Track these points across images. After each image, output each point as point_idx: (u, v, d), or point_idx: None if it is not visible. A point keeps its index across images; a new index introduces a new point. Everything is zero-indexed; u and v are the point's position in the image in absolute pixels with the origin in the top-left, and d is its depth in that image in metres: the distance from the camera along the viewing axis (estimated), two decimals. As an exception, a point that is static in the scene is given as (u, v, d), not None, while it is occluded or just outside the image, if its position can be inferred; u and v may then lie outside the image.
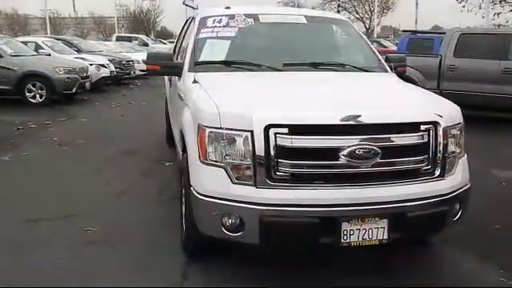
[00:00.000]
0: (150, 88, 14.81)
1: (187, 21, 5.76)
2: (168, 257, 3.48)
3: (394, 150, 2.82)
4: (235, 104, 2.96)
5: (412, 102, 3.22)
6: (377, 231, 2.79)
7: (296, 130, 2.73)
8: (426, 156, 2.91)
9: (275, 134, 2.73)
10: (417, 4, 41.34)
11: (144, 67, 17.71)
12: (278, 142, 2.73)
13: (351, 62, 4.10)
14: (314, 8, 59.28)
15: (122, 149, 6.67)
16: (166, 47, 28.95)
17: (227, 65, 3.86)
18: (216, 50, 4.03)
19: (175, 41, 5.92)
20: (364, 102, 3.14)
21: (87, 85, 11.58)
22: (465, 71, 8.78)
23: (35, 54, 11.88)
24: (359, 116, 2.79)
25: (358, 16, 38.84)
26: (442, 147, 2.93)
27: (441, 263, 3.52)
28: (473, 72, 8.69)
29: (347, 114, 2.79)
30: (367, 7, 38.28)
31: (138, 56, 17.67)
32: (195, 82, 3.55)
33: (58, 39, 15.13)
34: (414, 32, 13.27)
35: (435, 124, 2.92)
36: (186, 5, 5.93)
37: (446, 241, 3.63)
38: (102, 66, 13.36)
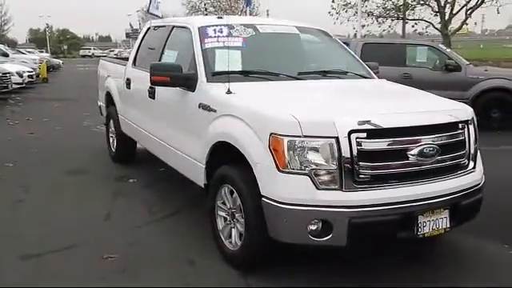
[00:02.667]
0: (38, 102, 13.54)
1: (149, 29, 5.54)
2: (216, 272, 3.38)
3: (446, 148, 3.15)
4: (311, 112, 3.03)
5: (444, 104, 3.59)
6: (442, 221, 3.09)
7: (373, 133, 2.92)
8: (464, 151, 3.30)
9: (356, 138, 2.87)
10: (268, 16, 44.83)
11: (19, 80, 16.22)
12: (358, 146, 2.88)
13: (349, 69, 4.39)
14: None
15: (66, 169, 6.08)
16: (27, 57, 26.41)
17: (246, 74, 3.85)
18: (227, 60, 3.98)
19: (135, 49, 5.59)
20: (410, 105, 3.45)
21: (-27, 101, 10.17)
22: (371, 77, 9.71)
23: None
24: (423, 118, 3.08)
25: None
26: (472, 143, 3.36)
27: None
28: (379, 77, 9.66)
29: (414, 117, 3.06)
30: (233, 18, 39.40)
31: (12, 68, 15.97)
32: (229, 92, 3.50)
33: None
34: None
35: (467, 122, 3.34)
36: (151, 13, 5.59)
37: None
38: (-19, 79, 11.82)
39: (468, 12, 17.33)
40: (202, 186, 3.86)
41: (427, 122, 3.09)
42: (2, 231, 4.13)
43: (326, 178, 2.87)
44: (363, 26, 18.27)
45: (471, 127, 3.36)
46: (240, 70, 3.89)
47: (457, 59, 9.48)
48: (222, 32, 4.19)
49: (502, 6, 17.43)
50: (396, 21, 19.11)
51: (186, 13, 39.64)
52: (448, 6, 17.10)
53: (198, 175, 3.89)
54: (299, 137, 2.88)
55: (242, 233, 3.29)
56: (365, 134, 2.90)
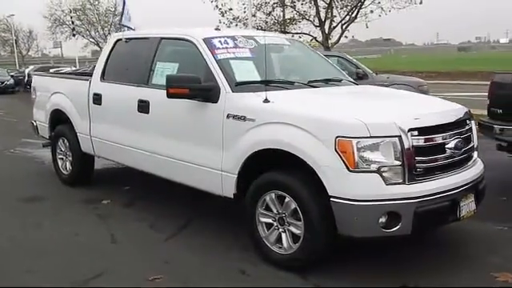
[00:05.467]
0: None
1: (118, 41, 5.28)
2: (274, 277, 3.44)
3: (466, 141, 3.65)
4: (371, 114, 3.28)
5: (450, 104, 4.08)
6: (471, 204, 3.56)
7: (423, 131, 3.28)
8: (473, 144, 3.84)
9: (411, 136, 3.21)
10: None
11: None
12: (414, 143, 3.22)
13: (340, 76, 4.74)
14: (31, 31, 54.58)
15: (20, 197, 5.48)
16: None
17: (266, 84, 3.93)
18: (245, 71, 4.08)
19: (103, 63, 5.25)
20: (432, 106, 3.90)
21: None
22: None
23: None
24: (451, 116, 3.54)
25: (92, 40, 38.10)
26: (475, 136, 3.92)
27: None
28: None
29: (444, 115, 3.50)
30: (101, 31, 37.88)
31: None
32: (267, 101, 3.60)
33: None
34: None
35: (470, 119, 3.90)
36: (123, 25, 5.06)
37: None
38: None
39: (343, 27, 19.15)
40: (231, 197, 3.86)
41: (454, 119, 3.56)
42: (7, 267, 3.67)
43: (392, 173, 3.15)
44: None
45: (473, 123, 3.92)
46: (260, 79, 3.99)
47: (363, 68, 10.50)
48: (228, 43, 4.25)
49: (370, 21, 19.57)
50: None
51: (49, 26, 37.17)
52: (327, 21, 18.70)
53: (224, 186, 3.88)
54: (367, 138, 3.12)
55: (298, 235, 3.41)
56: (417, 132, 3.25)
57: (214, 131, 3.91)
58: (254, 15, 18.69)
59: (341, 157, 3.15)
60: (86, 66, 28.28)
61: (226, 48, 4.19)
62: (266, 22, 20.40)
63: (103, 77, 5.23)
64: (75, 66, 26.25)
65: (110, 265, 3.67)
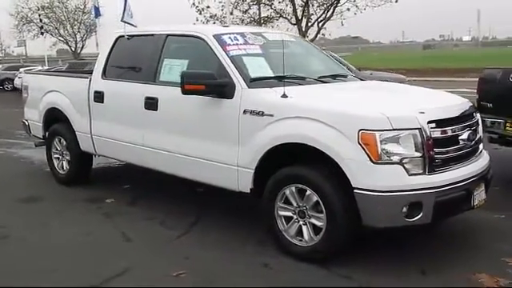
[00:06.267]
0: None
1: (119, 38, 5.21)
2: (296, 269, 3.49)
3: (474, 133, 3.79)
4: (392, 108, 3.38)
5: (457, 97, 4.23)
6: (482, 193, 3.71)
7: (440, 123, 3.40)
8: (480, 136, 3.99)
9: (430, 128, 3.32)
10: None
11: None
12: (432, 135, 3.33)
13: (345, 72, 4.83)
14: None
15: (17, 197, 5.36)
16: None
17: (279, 79, 3.97)
18: (257, 67, 4.11)
19: (103, 60, 5.17)
20: (442, 99, 4.02)
21: None
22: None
23: None
24: (460, 109, 3.69)
25: (61, 39, 37.22)
26: (482, 129, 4.07)
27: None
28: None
29: (455, 108, 3.64)
30: (70, 30, 37.06)
31: None
32: (285, 96, 3.65)
33: None
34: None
35: (476, 112, 4.05)
36: (125, 22, 4.92)
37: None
38: None
39: (320, 24, 19.40)
40: (248, 192, 3.89)
41: (465, 111, 3.71)
42: (22, 267, 3.61)
43: (414, 164, 3.25)
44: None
45: (479, 115, 4.07)
46: (273, 75, 4.04)
47: (348, 65, 10.64)
48: (238, 40, 4.28)
49: (345, 19, 19.90)
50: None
51: (16, 24, 36.11)
52: (304, 19, 18.92)
53: (240, 182, 3.90)
54: (389, 130, 3.21)
55: (320, 227, 3.47)
56: (435, 124, 3.36)
57: (229, 127, 3.93)
58: (231, 13, 18.71)
59: (364, 149, 3.23)
60: (60, 64, 27.60)
61: (237, 44, 4.21)
62: (243, 20, 20.48)
63: (105, 74, 5.17)
64: (45, 65, 25.51)
65: (130, 262, 3.64)
